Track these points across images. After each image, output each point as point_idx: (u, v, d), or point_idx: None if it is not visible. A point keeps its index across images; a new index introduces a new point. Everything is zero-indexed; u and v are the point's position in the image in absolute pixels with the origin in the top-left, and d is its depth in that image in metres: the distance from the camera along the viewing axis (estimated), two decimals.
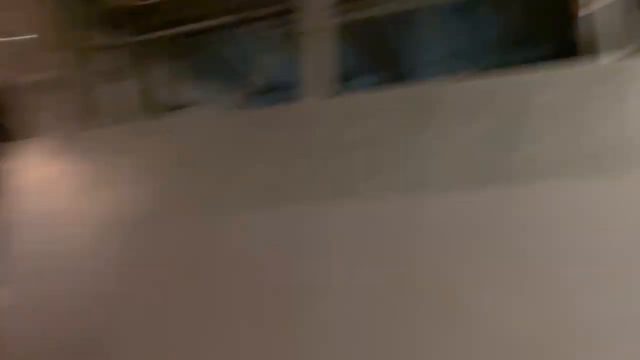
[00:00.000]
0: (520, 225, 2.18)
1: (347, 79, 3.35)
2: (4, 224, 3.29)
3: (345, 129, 2.61)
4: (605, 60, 2.31)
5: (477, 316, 2.16)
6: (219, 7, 3.38)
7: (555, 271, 2.08)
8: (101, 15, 3.47)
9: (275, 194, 2.72)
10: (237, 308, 2.70)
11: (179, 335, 2.78)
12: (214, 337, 2.73)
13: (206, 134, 2.96)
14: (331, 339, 2.50)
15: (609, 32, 2.38)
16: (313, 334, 2.51)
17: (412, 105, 2.52)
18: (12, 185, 3.30)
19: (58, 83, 3.41)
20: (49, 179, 3.23)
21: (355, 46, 3.47)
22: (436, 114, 2.45)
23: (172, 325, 2.80)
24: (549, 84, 2.22)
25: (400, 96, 2.57)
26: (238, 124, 2.94)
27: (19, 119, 3.47)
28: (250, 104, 3.43)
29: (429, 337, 2.24)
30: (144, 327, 2.88)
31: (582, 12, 2.47)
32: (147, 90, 3.48)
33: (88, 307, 3.02)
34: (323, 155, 2.65)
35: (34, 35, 3.61)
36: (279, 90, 3.65)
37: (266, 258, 2.66)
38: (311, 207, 2.63)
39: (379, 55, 3.58)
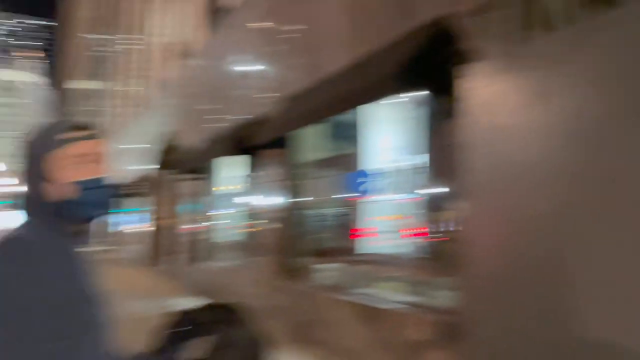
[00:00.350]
0: None
1: None
2: (463, 141, 3.56)
3: None
4: None
5: None
6: None
7: None
8: None
9: None
10: None
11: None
12: None
13: None
14: None
15: None
16: None
17: None
18: (467, 104, 3.53)
19: (494, 4, 3.50)
20: (497, 95, 3.38)
21: None
22: None
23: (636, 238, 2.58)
24: None
25: None
26: None
27: (468, 43, 3.73)
28: None
29: None
30: (604, 236, 2.71)
31: None
32: None
33: (544, 217, 3.00)
34: None
35: None
36: None
37: None
38: None
39: None
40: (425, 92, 4.48)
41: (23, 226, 1.24)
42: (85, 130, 1.30)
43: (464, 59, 3.86)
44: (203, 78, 10.90)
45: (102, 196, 1.29)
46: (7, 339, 1.08)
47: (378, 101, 4.84)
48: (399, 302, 4.73)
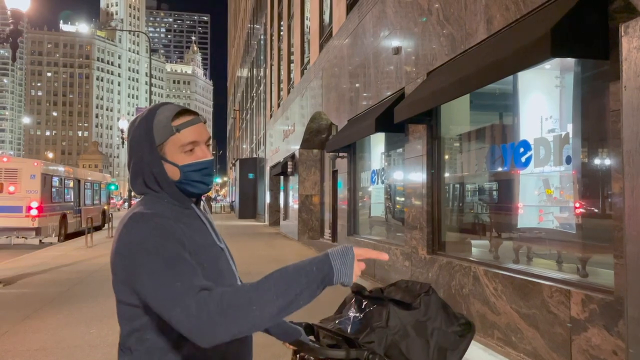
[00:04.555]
0: None
1: None
2: (626, 108, 3.18)
3: None
4: None
5: None
6: None
7: None
8: None
9: None
10: None
11: None
12: None
13: None
14: None
15: None
16: None
17: None
18: (630, 66, 3.19)
19: None
20: None
21: None
22: None
23: None
24: None
25: None
26: None
27: None
28: None
29: None
30: None
31: None
32: None
33: None
34: None
35: None
36: None
37: None
38: None
39: None
40: (582, 55, 4.17)
41: (145, 202, 1.36)
42: (192, 114, 1.40)
43: (627, 14, 3.55)
44: (346, 58, 11.19)
45: (209, 176, 1.40)
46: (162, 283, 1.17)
47: (529, 68, 4.63)
48: (553, 278, 4.56)
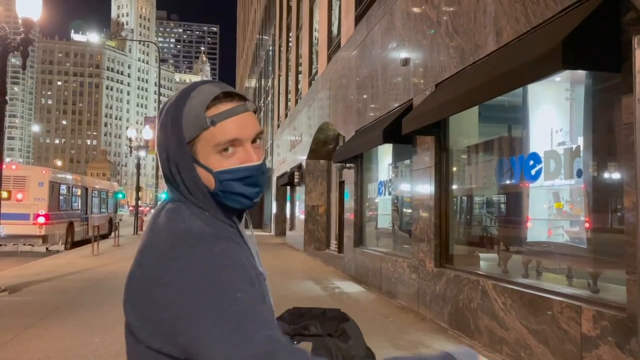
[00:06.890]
0: None
1: None
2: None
3: None
4: None
5: None
6: None
7: None
8: None
9: None
10: None
11: None
12: None
13: None
14: None
15: None
16: None
17: None
18: None
19: None
20: None
21: None
22: None
23: None
24: None
25: None
26: None
27: None
28: None
29: None
30: None
31: None
32: None
33: None
34: None
35: None
36: None
37: None
38: None
39: None
40: (594, 68, 4.13)
41: (188, 214, 0.98)
42: (236, 99, 1.01)
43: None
44: (354, 69, 11.20)
45: (254, 186, 1.02)
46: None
47: (539, 81, 4.59)
48: (563, 293, 4.48)
